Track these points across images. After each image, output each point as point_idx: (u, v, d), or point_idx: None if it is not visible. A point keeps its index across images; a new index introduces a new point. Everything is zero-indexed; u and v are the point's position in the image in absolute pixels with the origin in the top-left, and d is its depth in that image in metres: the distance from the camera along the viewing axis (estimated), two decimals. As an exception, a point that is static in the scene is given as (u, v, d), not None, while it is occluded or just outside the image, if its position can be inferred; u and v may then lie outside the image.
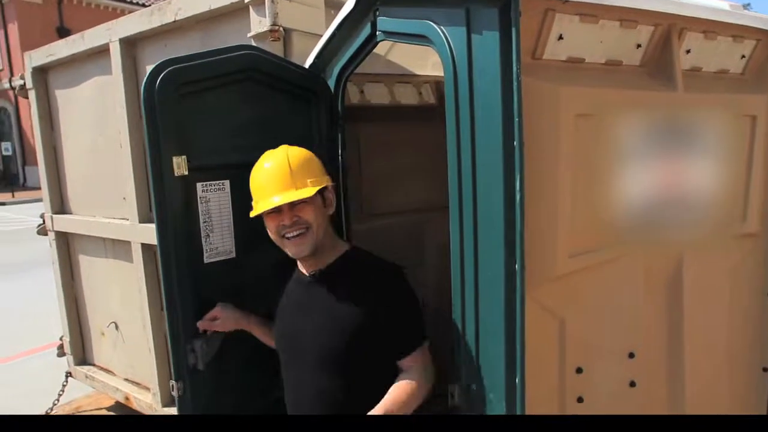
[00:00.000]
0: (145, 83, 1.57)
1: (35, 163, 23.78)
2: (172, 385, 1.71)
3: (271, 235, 1.42)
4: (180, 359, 1.67)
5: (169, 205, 1.63)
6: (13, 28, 22.02)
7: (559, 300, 1.31)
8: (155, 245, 2.86)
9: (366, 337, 1.37)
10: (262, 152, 1.52)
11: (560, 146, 1.23)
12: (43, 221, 3.72)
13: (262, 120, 1.80)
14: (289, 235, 1.38)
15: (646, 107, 1.39)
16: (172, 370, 1.74)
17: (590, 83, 1.29)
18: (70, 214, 3.56)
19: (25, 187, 21.84)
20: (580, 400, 1.40)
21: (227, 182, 1.73)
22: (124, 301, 3.31)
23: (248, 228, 1.66)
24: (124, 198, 3.01)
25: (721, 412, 1.75)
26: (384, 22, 1.49)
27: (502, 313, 1.17)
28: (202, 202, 1.70)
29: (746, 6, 1.64)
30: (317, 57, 1.90)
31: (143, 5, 19.94)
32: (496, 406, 1.24)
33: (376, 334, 1.36)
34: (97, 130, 3.19)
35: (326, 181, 1.43)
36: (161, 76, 1.56)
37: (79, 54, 3.13)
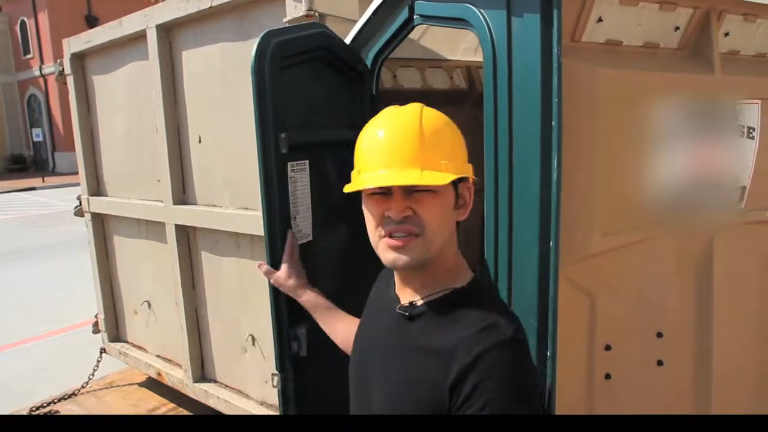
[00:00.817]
0: (256, 55, 1.48)
1: (64, 149, 24.37)
2: (273, 378, 1.60)
3: (369, 224, 0.99)
4: (284, 348, 1.59)
5: (274, 185, 1.54)
6: (44, 17, 22.49)
7: (591, 278, 1.35)
8: (188, 226, 3.00)
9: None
10: (330, 133, 1.45)
11: (597, 128, 1.26)
12: (80, 203, 3.85)
13: (326, 100, 1.77)
14: (395, 234, 0.93)
15: (682, 90, 1.41)
16: (275, 361, 1.63)
17: (628, 65, 1.31)
18: (106, 196, 3.68)
19: (54, 173, 22.44)
20: (607, 376, 1.43)
21: (307, 162, 1.64)
22: (157, 280, 3.42)
23: (323, 212, 1.64)
24: (158, 180, 3.10)
25: (748, 393, 1.77)
26: (422, 6, 1.52)
27: (536, 289, 1.21)
28: (291, 183, 1.59)
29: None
30: (353, 41, 1.93)
31: (168, -7, 20.18)
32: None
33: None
34: (132, 114, 3.28)
35: (468, 171, 0.98)
36: (270, 48, 1.49)
37: (116, 40, 3.22)
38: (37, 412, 3.56)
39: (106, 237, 3.78)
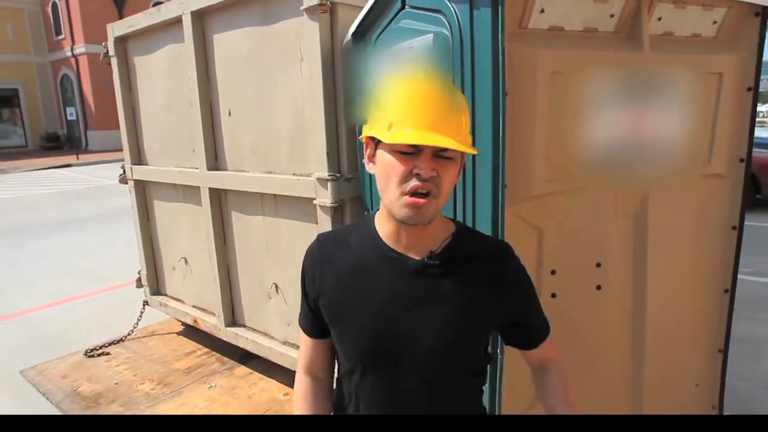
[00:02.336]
0: None
1: (96, 128, 24.98)
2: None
3: (389, 177, 1.01)
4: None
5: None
6: (74, -1, 23.00)
7: (537, 215, 1.70)
8: (220, 189, 3.42)
9: (502, 323, 1.17)
10: None
11: (538, 97, 1.60)
12: (124, 171, 4.31)
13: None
14: (421, 191, 0.99)
15: (616, 66, 1.73)
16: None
17: (566, 47, 1.64)
18: (146, 164, 4.12)
19: (87, 150, 23.25)
20: (553, 295, 1.80)
21: None
22: (192, 238, 3.86)
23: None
24: (193, 150, 3.52)
25: (682, 322, 2.11)
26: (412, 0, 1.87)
27: (490, 219, 1.58)
28: None
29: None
30: (358, 26, 2.29)
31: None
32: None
33: (512, 319, 1.16)
34: (170, 91, 3.67)
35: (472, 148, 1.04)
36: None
37: (154, 25, 3.60)
38: (91, 354, 4.09)
39: (147, 201, 4.23)
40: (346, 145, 2.65)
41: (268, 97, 2.96)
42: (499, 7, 1.43)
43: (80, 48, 23.20)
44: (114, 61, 4.07)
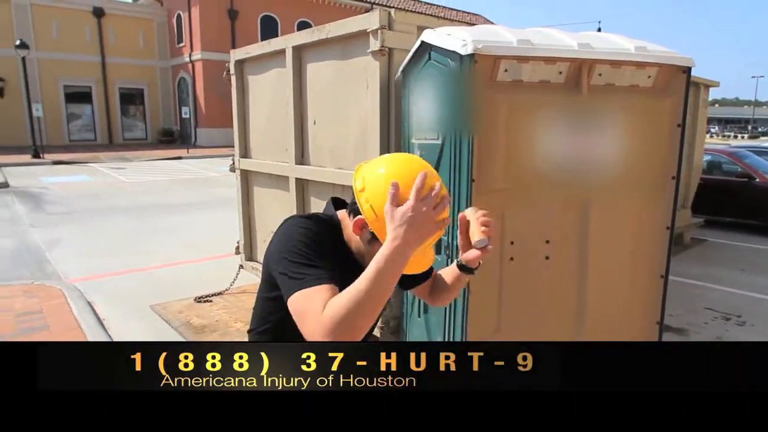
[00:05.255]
0: None
1: (204, 126, 27.64)
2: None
3: (370, 249, 1.28)
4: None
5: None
6: (195, 11, 25.79)
7: (499, 203, 2.55)
8: (304, 179, 4.52)
9: None
10: None
11: (500, 126, 2.46)
12: (233, 162, 5.57)
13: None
14: None
15: (561, 104, 2.55)
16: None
17: (524, 93, 2.49)
18: (250, 158, 5.34)
19: (195, 146, 25.96)
20: (511, 259, 2.64)
21: None
22: (280, 217, 4.92)
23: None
24: (286, 149, 4.65)
25: (622, 293, 2.84)
26: (433, 55, 2.81)
27: (466, 205, 2.47)
28: None
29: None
30: (404, 68, 3.26)
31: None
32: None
33: None
34: (272, 103, 4.82)
35: None
36: None
37: (265, 54, 4.78)
38: (199, 300, 5.35)
39: (249, 186, 5.45)
40: (393, 150, 3.62)
41: (342, 112, 4.00)
42: (473, 65, 2.34)
43: (197, 55, 26.10)
44: (233, 78, 5.32)
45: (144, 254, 7.28)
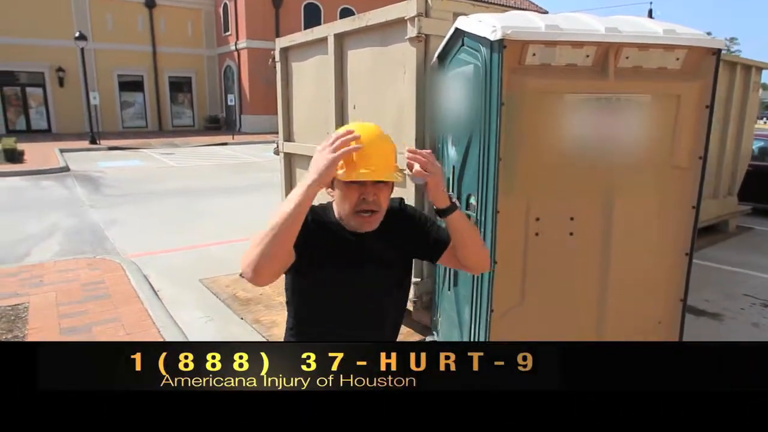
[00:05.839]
0: None
1: (249, 113, 28.33)
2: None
3: (344, 204, 1.49)
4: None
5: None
6: (241, 0, 26.45)
7: (525, 181, 2.69)
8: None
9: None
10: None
11: (526, 109, 2.59)
12: (277, 145, 5.86)
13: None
14: (365, 210, 1.46)
15: (588, 89, 2.65)
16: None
17: (549, 77, 2.61)
18: (293, 141, 5.60)
19: (240, 132, 26.67)
20: (537, 234, 2.78)
21: None
22: (320, 198, 5.24)
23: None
24: (327, 132, 4.87)
25: (647, 269, 2.93)
26: (466, 41, 2.95)
27: (493, 177, 2.63)
28: None
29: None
30: (439, 54, 3.41)
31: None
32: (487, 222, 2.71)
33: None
34: (314, 89, 5.05)
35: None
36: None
37: (308, 41, 5.01)
38: (233, 275, 5.69)
39: (291, 168, 5.73)
40: (427, 133, 3.79)
41: (380, 97, 4.19)
42: (503, 51, 2.48)
43: (243, 43, 26.72)
44: (278, 66, 5.58)
45: (193, 233, 7.73)
